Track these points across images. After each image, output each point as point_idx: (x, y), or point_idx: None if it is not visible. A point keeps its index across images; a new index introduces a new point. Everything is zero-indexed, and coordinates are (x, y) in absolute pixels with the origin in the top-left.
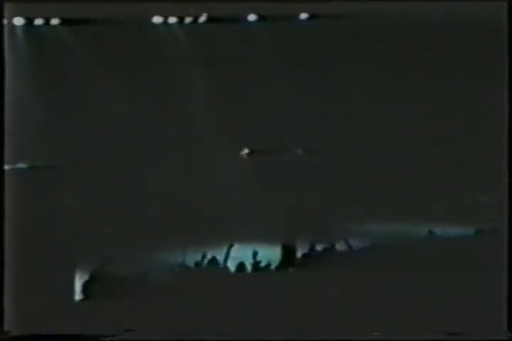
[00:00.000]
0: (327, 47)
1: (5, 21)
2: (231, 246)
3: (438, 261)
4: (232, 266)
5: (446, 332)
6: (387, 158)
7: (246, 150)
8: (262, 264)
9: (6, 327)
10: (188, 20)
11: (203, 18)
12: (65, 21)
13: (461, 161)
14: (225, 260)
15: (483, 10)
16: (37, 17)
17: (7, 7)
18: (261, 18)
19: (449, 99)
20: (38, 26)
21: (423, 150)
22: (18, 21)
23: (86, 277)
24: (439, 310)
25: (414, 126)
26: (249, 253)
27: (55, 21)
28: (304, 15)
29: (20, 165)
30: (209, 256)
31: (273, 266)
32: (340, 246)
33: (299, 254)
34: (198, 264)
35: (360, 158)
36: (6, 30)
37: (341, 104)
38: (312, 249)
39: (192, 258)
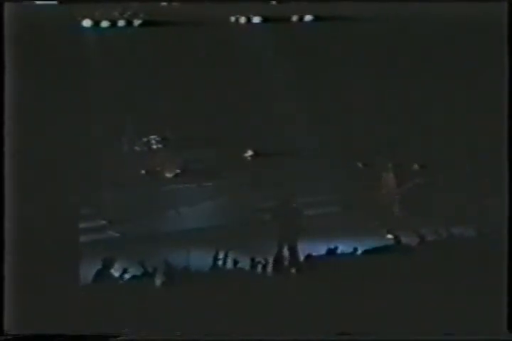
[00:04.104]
0: (333, 49)
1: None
2: (227, 251)
3: (438, 261)
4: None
5: (446, 332)
6: (389, 159)
7: (250, 152)
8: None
9: (6, 327)
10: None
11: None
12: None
13: (462, 163)
14: (224, 263)
15: (483, 10)
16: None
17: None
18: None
19: (449, 99)
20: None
21: (423, 152)
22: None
23: (88, 277)
24: (440, 310)
25: (414, 127)
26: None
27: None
28: (308, 17)
29: None
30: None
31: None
32: (345, 248)
33: (301, 256)
34: (200, 266)
35: (362, 160)
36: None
37: (350, 106)
38: (316, 250)
39: (195, 260)
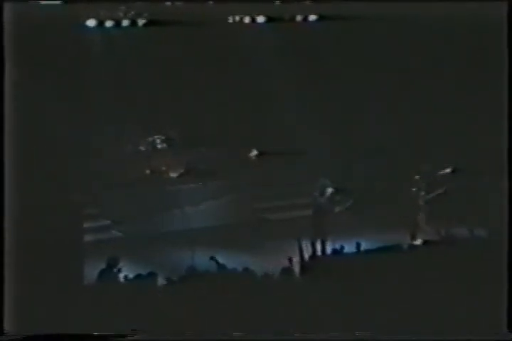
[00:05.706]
0: (338, 49)
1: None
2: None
3: (438, 261)
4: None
5: (446, 332)
6: (391, 160)
7: (255, 152)
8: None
9: (6, 327)
10: None
11: None
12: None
13: (462, 163)
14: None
15: (483, 10)
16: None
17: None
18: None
19: (450, 99)
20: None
21: (424, 152)
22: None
23: (91, 277)
24: (440, 310)
25: (415, 127)
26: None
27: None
28: (312, 17)
29: None
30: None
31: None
32: (348, 248)
33: (306, 256)
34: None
35: (364, 160)
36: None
37: (355, 105)
38: (323, 250)
39: (199, 260)
